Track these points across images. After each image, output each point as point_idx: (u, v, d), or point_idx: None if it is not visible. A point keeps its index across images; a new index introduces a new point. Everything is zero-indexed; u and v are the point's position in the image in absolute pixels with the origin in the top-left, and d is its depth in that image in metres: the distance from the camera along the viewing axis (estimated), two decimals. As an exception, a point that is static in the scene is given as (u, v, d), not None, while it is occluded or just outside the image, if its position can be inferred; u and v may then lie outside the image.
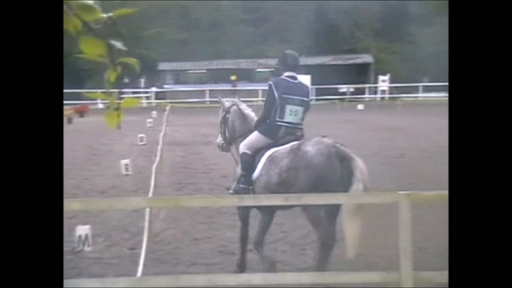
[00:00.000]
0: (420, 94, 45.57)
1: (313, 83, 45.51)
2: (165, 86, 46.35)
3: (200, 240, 8.31)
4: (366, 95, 45.92)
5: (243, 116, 7.30)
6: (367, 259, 7.27)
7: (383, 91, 46.55)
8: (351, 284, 5.35)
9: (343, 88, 45.61)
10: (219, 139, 7.59)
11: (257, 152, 6.75)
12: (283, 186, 6.38)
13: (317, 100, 44.21)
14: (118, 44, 1.59)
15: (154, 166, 9.95)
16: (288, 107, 6.73)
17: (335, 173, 6.20)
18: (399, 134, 21.22)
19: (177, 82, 47.54)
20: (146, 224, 7.55)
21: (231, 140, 7.42)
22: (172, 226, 9.02)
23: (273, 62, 48.42)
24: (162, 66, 46.67)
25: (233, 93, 46.47)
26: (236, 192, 6.79)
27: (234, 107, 7.41)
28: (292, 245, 7.97)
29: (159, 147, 13.21)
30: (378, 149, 17.40)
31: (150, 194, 8.71)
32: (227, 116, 7.44)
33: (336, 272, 5.69)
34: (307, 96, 6.89)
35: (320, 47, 49.47)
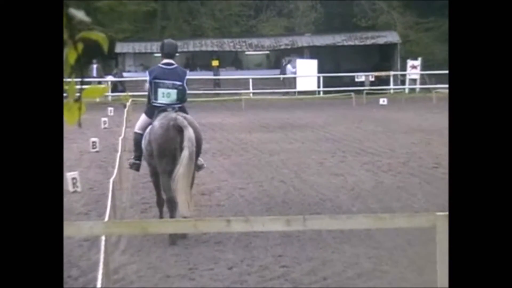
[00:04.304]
0: (462, 85, 45.81)
1: (320, 70, 45.66)
2: (125, 74, 46.34)
3: (173, 277, 8.31)
4: (391, 86, 46.10)
5: None
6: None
7: (413, 81, 46.74)
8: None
9: (361, 76, 45.78)
10: None
11: (145, 130, 10.00)
12: (150, 156, 9.90)
13: (325, 92, 44.40)
14: (80, 14, 1.59)
15: (111, 180, 9.95)
16: (160, 90, 9.96)
17: (172, 143, 9.45)
18: (435, 138, 21.31)
19: (141, 69, 47.55)
20: (102, 256, 7.54)
21: None
22: (135, 260, 9.03)
23: (268, 42, 48.64)
24: (121, 47, 46.66)
25: (215, 83, 46.66)
26: (131, 166, 10.68)
27: None
28: (296, 283, 7.99)
29: (118, 154, 13.22)
30: (408, 157, 17.47)
31: (106, 218, 8.71)
32: None
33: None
34: (181, 80, 10.02)
35: (330, 23, 49.61)
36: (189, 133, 9.35)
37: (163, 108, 9.92)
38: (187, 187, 9.39)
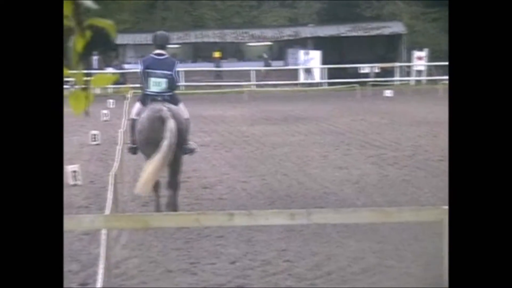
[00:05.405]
0: (469, 76, 45.70)
1: (325, 61, 45.63)
2: (126, 66, 46.33)
3: (175, 272, 8.32)
4: (396, 78, 46.04)
5: None
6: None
7: (419, 72, 46.69)
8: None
9: (366, 68, 45.73)
10: None
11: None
12: (140, 144, 10.81)
13: (330, 84, 44.36)
14: (88, 2, 1.60)
15: (111, 174, 9.96)
16: (151, 79, 10.81)
17: (157, 133, 10.26)
18: (441, 130, 21.30)
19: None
20: (103, 251, 7.56)
21: None
22: (137, 254, 9.04)
23: (271, 33, 48.57)
24: (122, 39, 46.61)
25: (217, 75, 46.62)
26: (129, 151, 11.53)
27: None
28: (299, 278, 8.00)
29: (118, 147, 13.22)
30: (414, 149, 17.47)
31: (107, 211, 8.72)
32: None
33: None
34: (171, 70, 10.86)
35: (334, 13, 49.53)
36: (170, 124, 10.20)
37: (154, 97, 10.79)
38: (155, 171, 10.14)
